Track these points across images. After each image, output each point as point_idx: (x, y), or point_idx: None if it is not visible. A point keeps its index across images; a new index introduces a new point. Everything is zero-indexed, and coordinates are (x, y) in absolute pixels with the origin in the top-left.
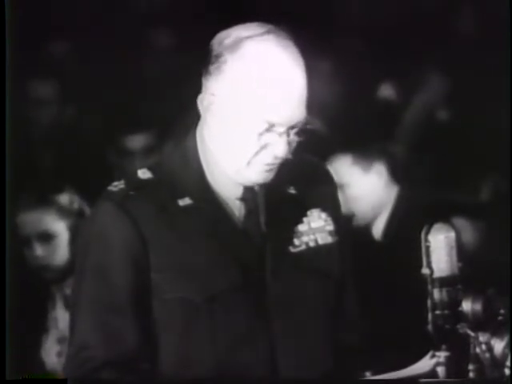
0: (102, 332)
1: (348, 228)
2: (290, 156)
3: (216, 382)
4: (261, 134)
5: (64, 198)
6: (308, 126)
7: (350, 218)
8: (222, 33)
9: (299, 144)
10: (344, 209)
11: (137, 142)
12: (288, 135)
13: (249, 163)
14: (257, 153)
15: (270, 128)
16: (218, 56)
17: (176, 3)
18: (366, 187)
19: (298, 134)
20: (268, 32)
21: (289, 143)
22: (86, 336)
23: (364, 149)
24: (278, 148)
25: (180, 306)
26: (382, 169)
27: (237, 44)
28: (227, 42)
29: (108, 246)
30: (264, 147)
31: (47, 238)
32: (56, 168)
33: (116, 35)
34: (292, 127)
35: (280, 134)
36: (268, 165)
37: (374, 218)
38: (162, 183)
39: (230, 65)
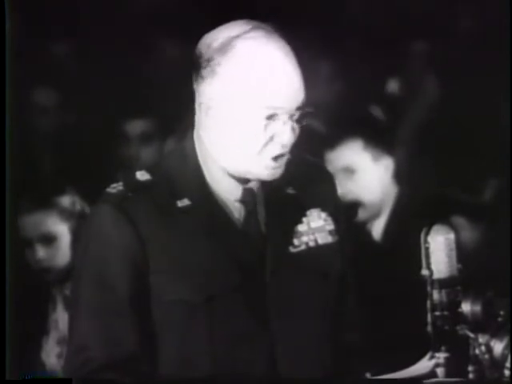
0: (101, 333)
1: (351, 217)
2: (292, 154)
3: (215, 382)
4: (266, 126)
5: (65, 200)
6: (307, 110)
7: (355, 206)
8: (207, 36)
9: (301, 141)
10: (351, 196)
11: (136, 128)
12: (292, 121)
13: (258, 158)
14: (265, 144)
15: (273, 117)
16: (210, 60)
17: (176, 4)
18: (374, 176)
19: (300, 119)
20: (254, 28)
21: (293, 129)
22: (84, 337)
23: (375, 134)
24: (284, 136)
25: (179, 307)
26: (390, 163)
27: (227, 45)
28: (216, 44)
29: (106, 247)
30: (271, 139)
31: (49, 240)
32: (57, 170)
33: (116, 37)
34: (293, 114)
35: (284, 122)
36: (277, 158)
37: (378, 213)
38: (161, 184)
39: (224, 66)
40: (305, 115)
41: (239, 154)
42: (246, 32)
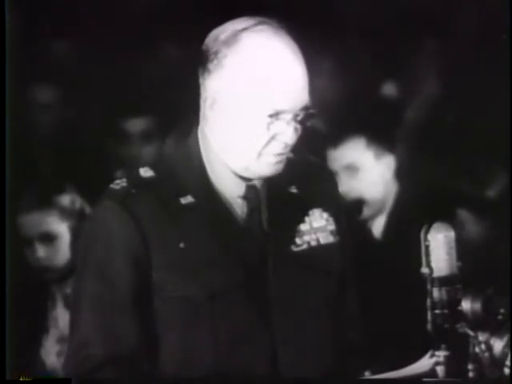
0: (103, 330)
1: (355, 214)
2: (295, 153)
3: (217, 380)
4: (269, 124)
5: (65, 199)
6: (311, 111)
7: (359, 204)
8: (215, 30)
9: (304, 141)
10: (355, 193)
11: (136, 126)
12: (295, 121)
13: (259, 156)
14: (267, 143)
15: (278, 116)
16: (217, 52)
17: (176, 3)
18: (377, 174)
19: (303, 119)
20: (261, 23)
21: (296, 130)
22: (86, 334)
23: (377, 132)
24: (287, 135)
25: (181, 305)
26: (391, 161)
27: (234, 37)
28: (223, 37)
29: (109, 244)
30: (273, 137)
31: (49, 238)
32: (57, 169)
33: (117, 35)
34: (297, 114)
35: (287, 122)
36: (278, 155)
37: (381, 210)
38: (164, 181)
39: (231, 59)
40: (309, 116)
41: (241, 150)
42: (252, 26)
